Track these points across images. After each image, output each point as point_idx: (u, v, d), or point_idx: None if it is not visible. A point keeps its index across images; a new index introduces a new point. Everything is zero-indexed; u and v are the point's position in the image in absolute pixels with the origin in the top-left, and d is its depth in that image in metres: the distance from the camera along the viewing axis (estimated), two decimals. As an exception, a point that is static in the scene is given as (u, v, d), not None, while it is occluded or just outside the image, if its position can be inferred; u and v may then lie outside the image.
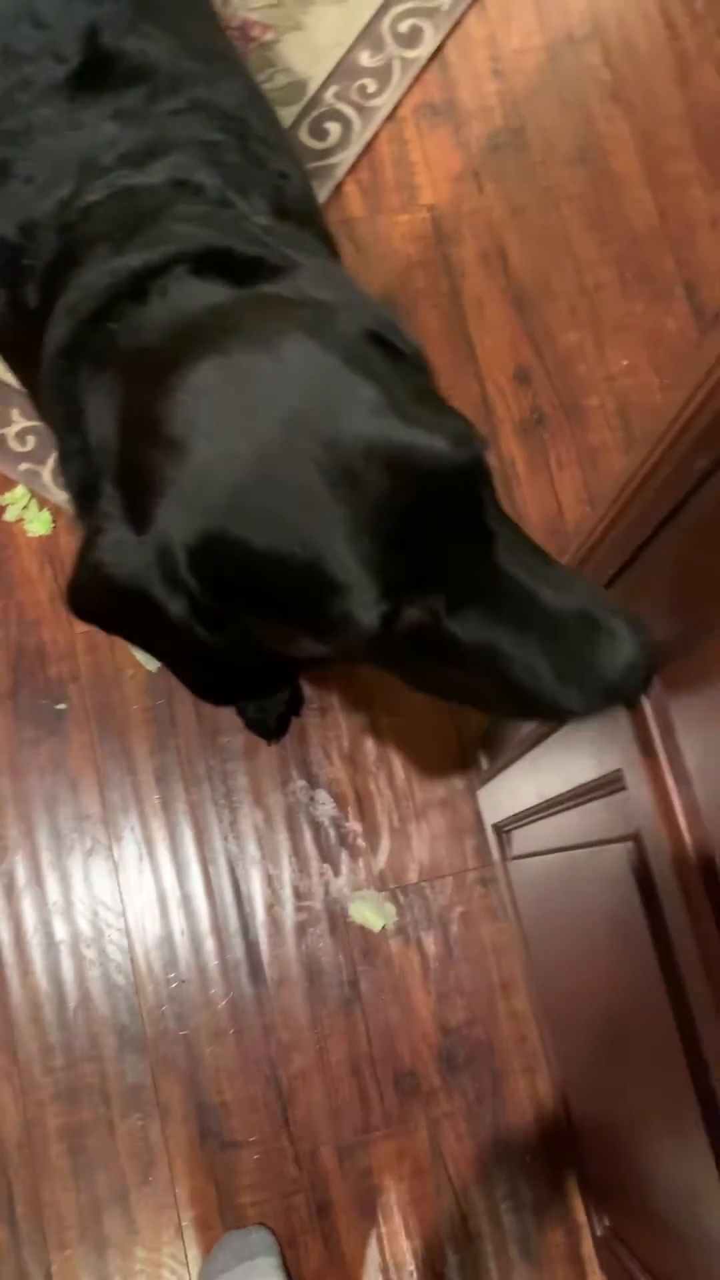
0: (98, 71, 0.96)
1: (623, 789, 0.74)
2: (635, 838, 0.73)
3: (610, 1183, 1.19)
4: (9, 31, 0.96)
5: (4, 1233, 1.38)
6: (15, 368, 1.05)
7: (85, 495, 0.83)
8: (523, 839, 1.23)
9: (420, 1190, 1.41)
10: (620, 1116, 1.01)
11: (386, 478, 0.63)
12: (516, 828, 1.26)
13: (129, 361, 0.77)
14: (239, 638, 0.73)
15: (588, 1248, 1.39)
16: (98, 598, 0.73)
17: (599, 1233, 1.30)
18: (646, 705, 0.66)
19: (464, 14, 1.78)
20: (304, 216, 1.00)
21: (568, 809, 0.93)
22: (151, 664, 1.52)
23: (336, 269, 0.96)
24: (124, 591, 0.70)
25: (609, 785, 0.78)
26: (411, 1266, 1.39)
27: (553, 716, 0.74)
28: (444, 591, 0.67)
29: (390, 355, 0.72)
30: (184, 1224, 1.39)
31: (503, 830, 1.34)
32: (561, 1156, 1.41)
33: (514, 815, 1.22)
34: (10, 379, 1.60)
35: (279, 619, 0.70)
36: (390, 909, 1.47)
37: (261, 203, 0.94)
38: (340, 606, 0.64)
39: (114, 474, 0.72)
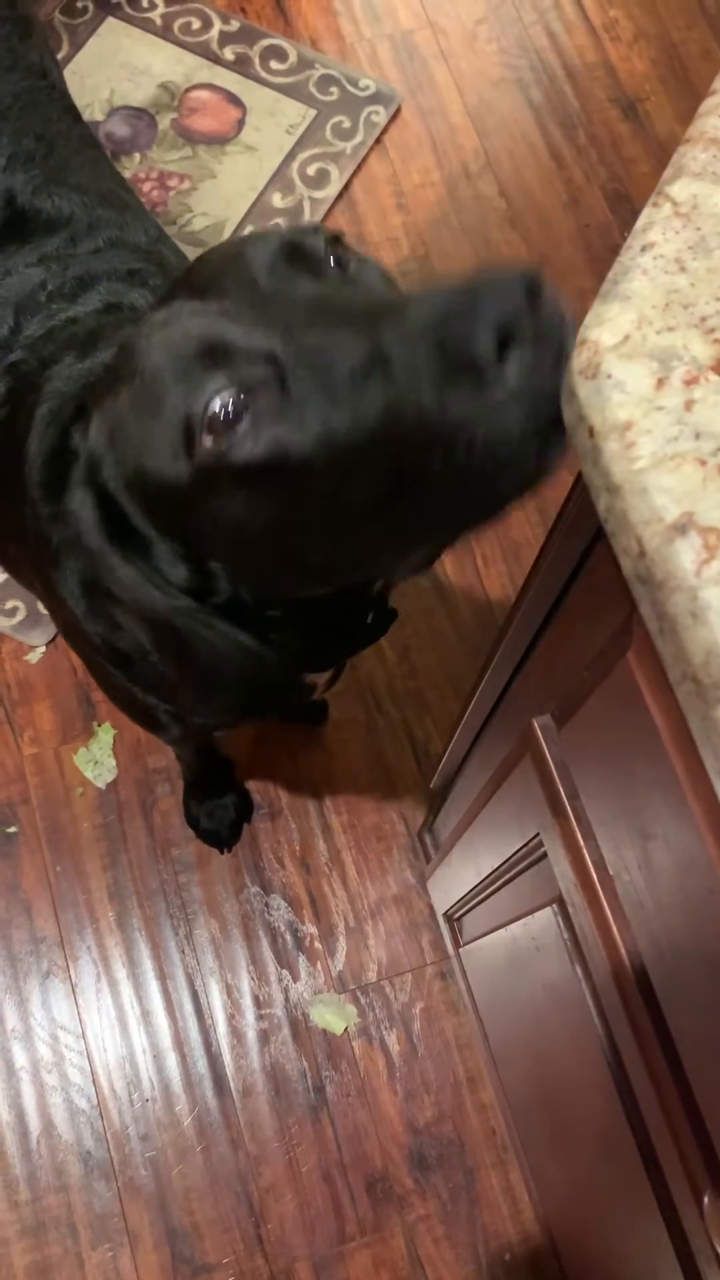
0: (17, 227, 1.05)
1: (544, 855, 0.78)
2: (559, 900, 0.77)
3: (585, 1274, 1.18)
4: None
5: None
6: None
7: (92, 590, 0.85)
8: (470, 924, 1.26)
9: (400, 1301, 1.38)
10: (582, 1202, 1.02)
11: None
12: (464, 913, 1.28)
13: None
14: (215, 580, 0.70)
15: (574, 1346, 1.36)
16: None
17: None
18: (553, 768, 0.70)
19: (366, 155, 1.92)
20: None
21: (503, 884, 0.96)
22: (101, 780, 1.54)
23: None
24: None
25: (533, 852, 0.81)
26: None
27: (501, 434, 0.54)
28: None
29: None
30: None
31: (453, 919, 1.36)
32: (539, 1252, 1.39)
33: (459, 900, 1.25)
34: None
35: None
36: (351, 1010, 1.47)
37: None
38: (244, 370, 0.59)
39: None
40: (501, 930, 1.00)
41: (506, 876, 0.93)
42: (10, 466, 0.92)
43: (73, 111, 1.22)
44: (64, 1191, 1.40)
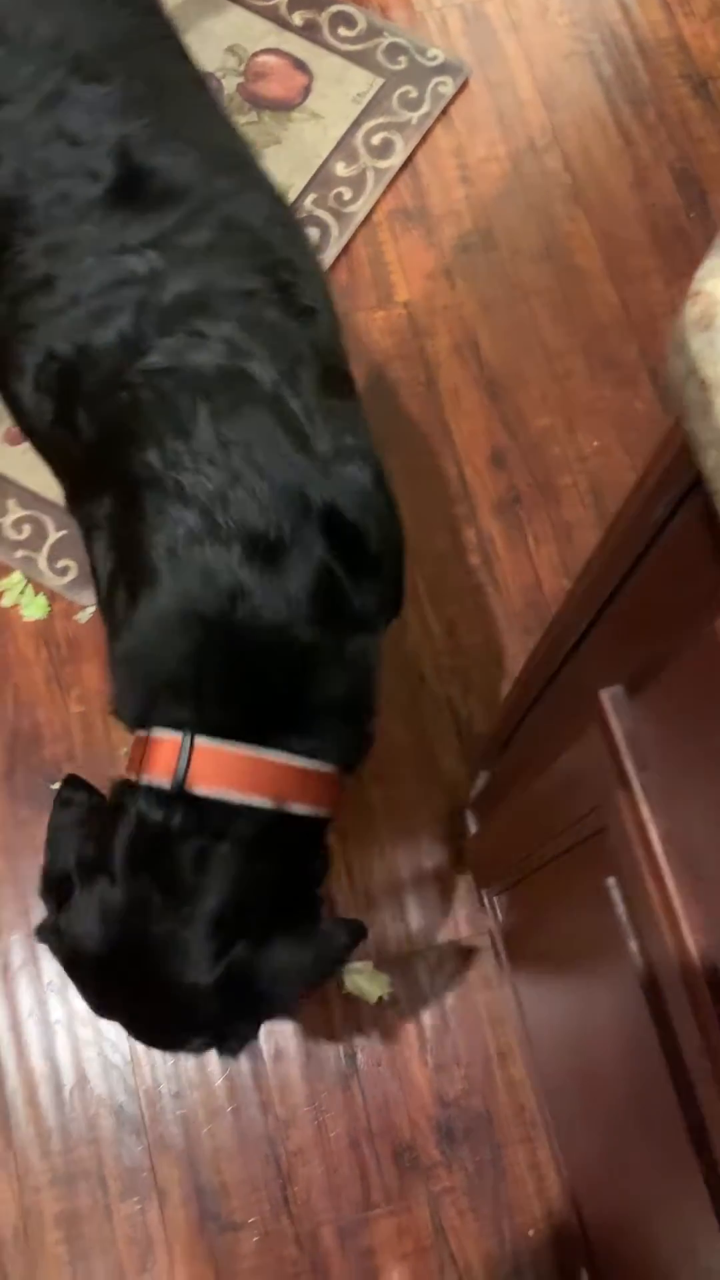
0: (132, 188, 1.01)
1: (600, 829, 0.77)
2: (617, 874, 0.76)
3: (615, 1259, 1.18)
4: (44, 149, 1.02)
5: (0, 1326, 1.35)
6: (58, 474, 1.10)
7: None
8: (512, 899, 1.25)
9: (423, 1269, 1.39)
10: (617, 1180, 1.02)
11: None
12: (505, 888, 1.28)
13: None
14: None
15: (595, 1324, 1.36)
16: None
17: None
18: (620, 740, 0.70)
19: (432, 127, 1.90)
20: (335, 371, 1.04)
21: (552, 860, 0.96)
22: (145, 742, 1.55)
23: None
24: None
25: (587, 827, 0.81)
26: (416, 1350, 1.36)
27: None
28: None
29: None
30: (184, 1311, 1.36)
31: (493, 893, 1.36)
32: (564, 1229, 1.40)
33: (501, 875, 1.25)
34: (12, 473, 1.66)
35: None
36: (385, 979, 1.48)
37: (309, 381, 0.97)
38: None
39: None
40: (548, 906, 1.00)
41: (556, 851, 0.92)
42: (82, 462, 1.02)
43: (184, 52, 1.17)
44: (95, 1144, 1.41)
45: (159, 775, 0.91)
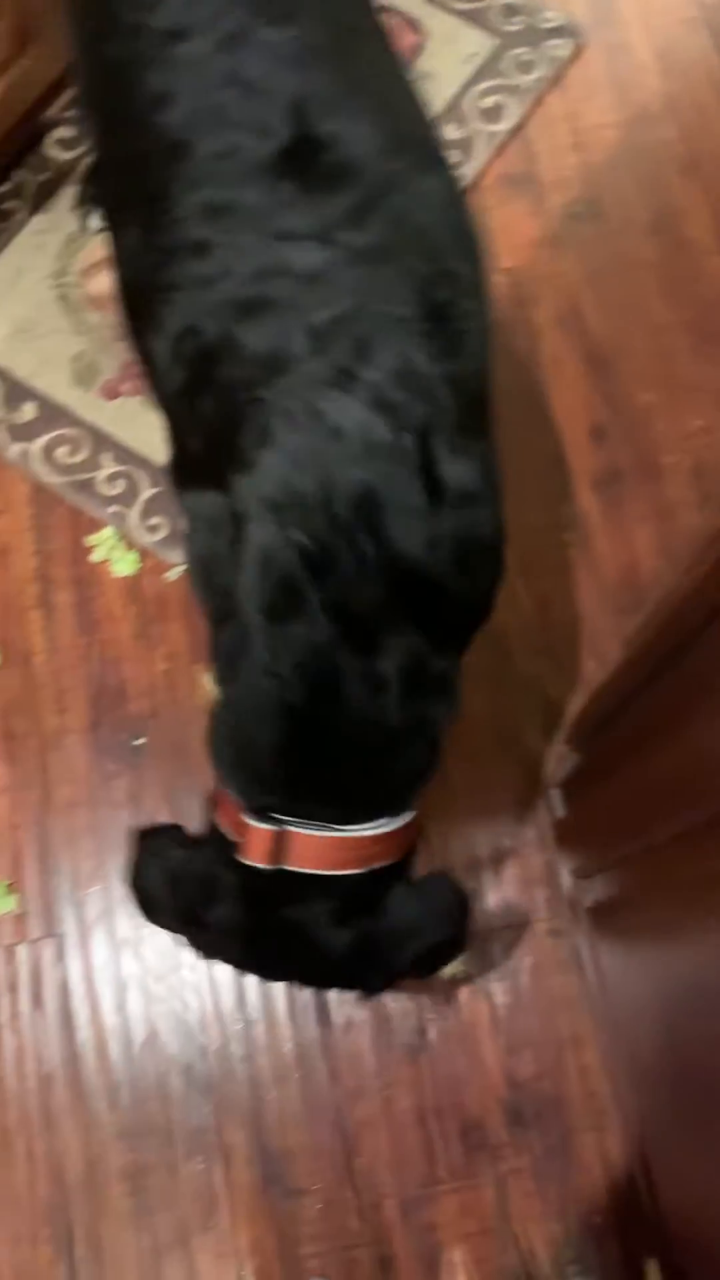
0: (304, 156, 0.95)
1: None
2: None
3: (695, 1250, 1.16)
4: (220, 92, 0.97)
5: (63, 1273, 1.36)
6: (170, 434, 1.08)
7: None
8: (609, 884, 1.23)
9: (485, 1249, 1.38)
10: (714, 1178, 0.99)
11: None
12: (599, 872, 1.25)
13: None
14: None
15: (659, 1317, 1.34)
16: None
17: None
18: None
19: (545, 92, 1.85)
20: (475, 405, 0.99)
21: (673, 849, 0.93)
22: (228, 704, 1.54)
23: None
24: None
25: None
26: (475, 1329, 1.35)
27: None
28: None
29: None
30: (244, 1274, 1.36)
31: (582, 876, 1.33)
32: (632, 1220, 1.37)
33: (593, 858, 1.22)
34: (109, 428, 1.66)
35: None
36: (460, 957, 1.46)
37: (444, 434, 0.93)
38: None
39: None
40: (662, 886, 0.97)
41: (677, 831, 0.89)
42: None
43: None
44: (163, 1101, 1.42)
45: (257, 860, 1.00)
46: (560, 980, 1.46)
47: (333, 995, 1.44)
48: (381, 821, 1.01)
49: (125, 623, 1.58)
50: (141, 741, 1.53)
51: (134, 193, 1.04)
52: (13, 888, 1.48)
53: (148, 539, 1.60)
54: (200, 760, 1.51)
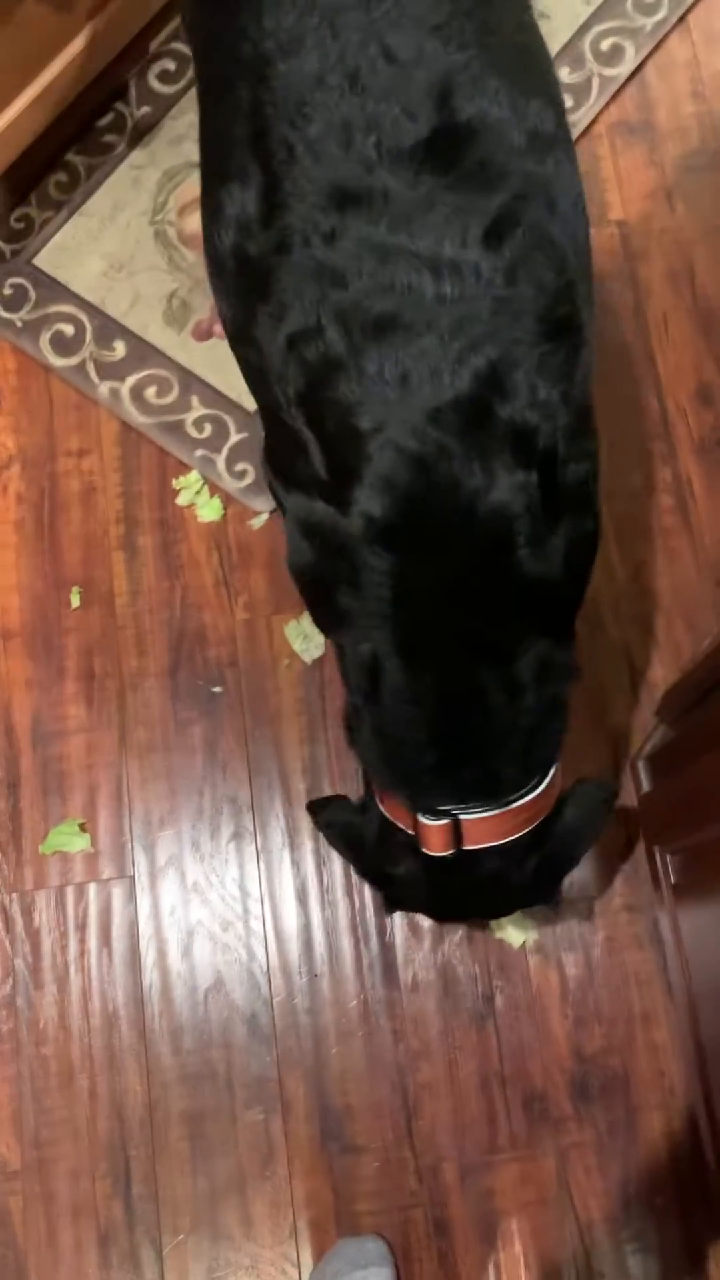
0: (447, 149, 0.90)
1: None
2: None
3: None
4: (359, 54, 0.90)
5: (119, 1209, 1.37)
6: (267, 433, 1.07)
7: None
8: (693, 861, 1.19)
9: (543, 1220, 1.36)
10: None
11: None
12: (683, 848, 1.21)
13: None
14: None
15: (718, 1303, 1.32)
16: None
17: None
18: None
19: (666, 35, 1.77)
20: (581, 422, 0.99)
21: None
22: (308, 655, 1.52)
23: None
24: None
25: None
26: (528, 1299, 1.34)
27: None
28: None
29: None
30: (299, 1224, 1.36)
31: (666, 853, 1.29)
32: (697, 1203, 1.34)
33: (681, 835, 1.18)
34: (199, 369, 1.63)
35: None
36: (530, 925, 1.43)
37: (581, 462, 0.97)
38: None
39: None
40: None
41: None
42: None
43: None
44: (226, 1049, 1.41)
45: (435, 850, 1.06)
46: (635, 956, 1.42)
47: (400, 955, 1.42)
48: (536, 783, 1.07)
49: (207, 569, 1.56)
50: (219, 690, 1.51)
51: (250, 147, 0.95)
52: (85, 828, 1.48)
53: (233, 485, 1.58)
54: (276, 713, 1.50)
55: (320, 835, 1.36)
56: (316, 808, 1.26)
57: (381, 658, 0.98)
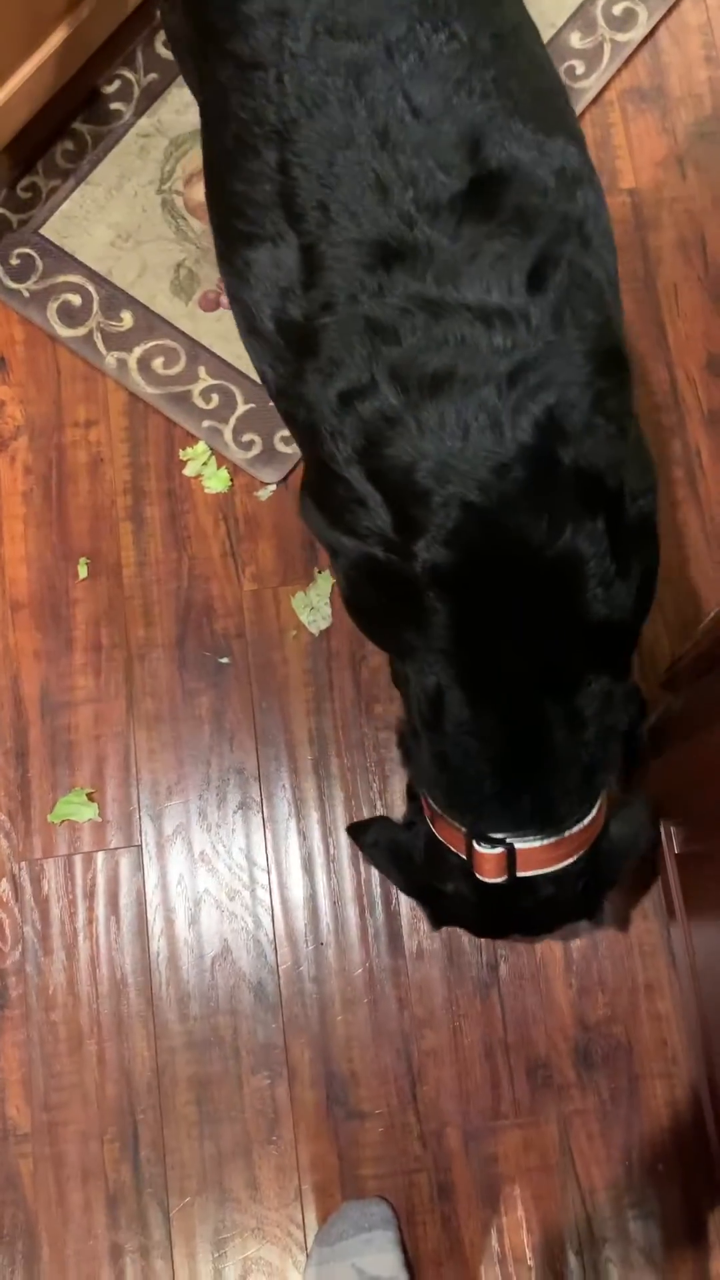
0: (485, 199, 0.92)
1: None
2: None
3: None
4: (386, 111, 0.91)
5: (127, 1172, 1.39)
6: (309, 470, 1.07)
7: None
8: (696, 830, 1.19)
9: (545, 1186, 1.37)
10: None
11: None
12: (684, 819, 1.21)
13: None
14: None
15: (718, 1266, 1.33)
16: None
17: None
18: None
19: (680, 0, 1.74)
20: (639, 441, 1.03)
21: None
22: (315, 626, 1.52)
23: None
24: None
25: None
26: (531, 1263, 1.35)
27: None
28: None
29: None
30: (304, 1188, 1.38)
31: (673, 823, 1.30)
32: (697, 1171, 1.36)
33: (682, 805, 1.18)
34: (206, 340, 1.62)
35: None
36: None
37: (644, 496, 1.01)
38: None
39: None
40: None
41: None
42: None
43: None
44: (232, 1015, 1.43)
45: (489, 877, 1.07)
46: (639, 926, 1.43)
47: (405, 924, 1.43)
48: (587, 810, 1.08)
49: (214, 540, 1.56)
50: (226, 661, 1.52)
51: (281, 209, 0.95)
52: (93, 797, 1.49)
53: (240, 456, 1.58)
54: (282, 684, 1.51)
55: (328, 822, 1.43)
56: (358, 830, 1.25)
57: (445, 689, 1.00)
